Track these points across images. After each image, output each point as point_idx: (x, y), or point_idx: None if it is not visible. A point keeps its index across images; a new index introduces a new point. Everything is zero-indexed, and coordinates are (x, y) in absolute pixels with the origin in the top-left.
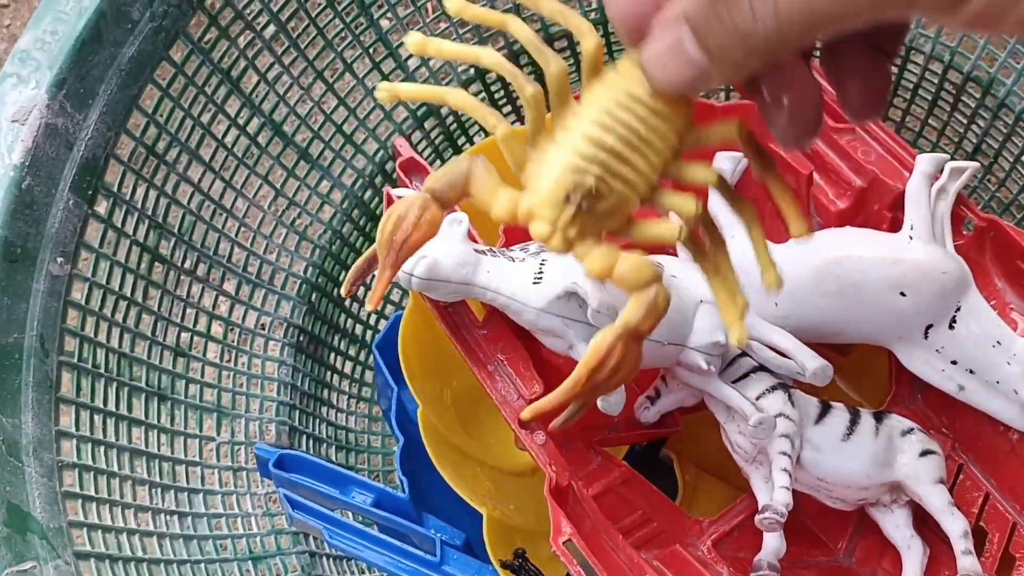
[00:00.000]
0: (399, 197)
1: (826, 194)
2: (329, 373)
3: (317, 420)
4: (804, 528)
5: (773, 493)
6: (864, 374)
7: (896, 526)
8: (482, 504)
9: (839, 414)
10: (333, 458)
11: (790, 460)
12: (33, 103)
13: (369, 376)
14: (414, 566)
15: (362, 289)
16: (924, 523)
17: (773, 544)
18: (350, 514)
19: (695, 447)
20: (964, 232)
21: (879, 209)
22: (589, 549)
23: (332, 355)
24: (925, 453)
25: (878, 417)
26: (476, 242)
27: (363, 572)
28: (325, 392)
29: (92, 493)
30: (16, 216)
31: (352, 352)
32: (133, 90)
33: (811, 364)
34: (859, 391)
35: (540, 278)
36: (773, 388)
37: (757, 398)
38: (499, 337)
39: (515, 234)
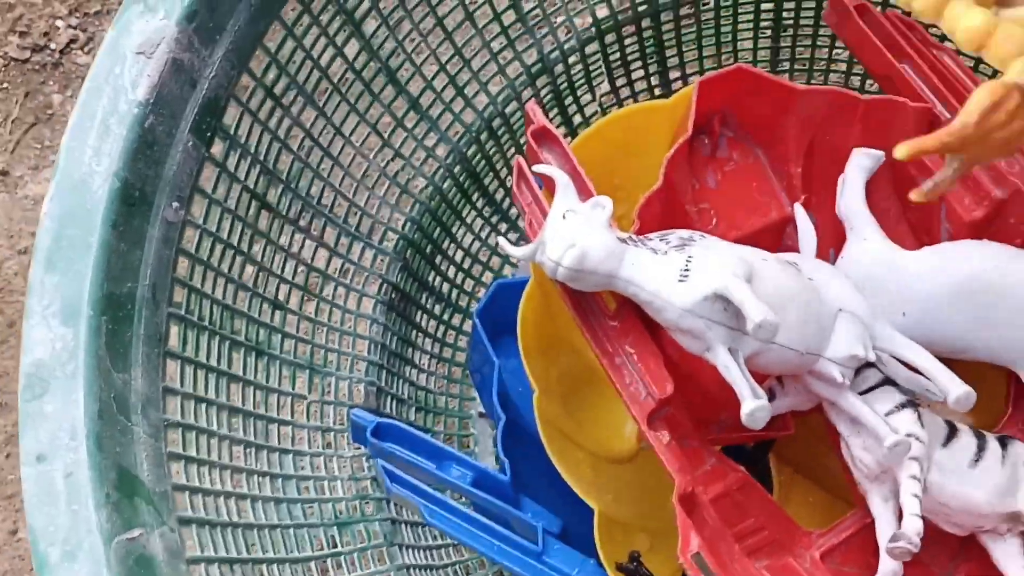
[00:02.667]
0: (535, 175)
1: (961, 201)
2: (415, 332)
3: (400, 380)
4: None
5: (904, 520)
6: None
7: (1008, 555)
8: (588, 495)
9: (966, 437)
10: (412, 419)
11: (920, 485)
12: (161, 35)
13: (451, 337)
14: (515, 553)
15: (453, 246)
16: None
17: (890, 567)
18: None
19: (794, 448)
20: None
21: (1016, 223)
22: (714, 560)
23: (419, 314)
24: None
25: (1003, 443)
26: (616, 229)
27: (435, 538)
28: (410, 351)
29: (194, 454)
30: (137, 157)
31: (437, 311)
32: (260, 26)
33: (955, 389)
34: (971, 410)
35: (686, 276)
36: (903, 405)
37: (886, 414)
38: (629, 330)
39: (649, 220)
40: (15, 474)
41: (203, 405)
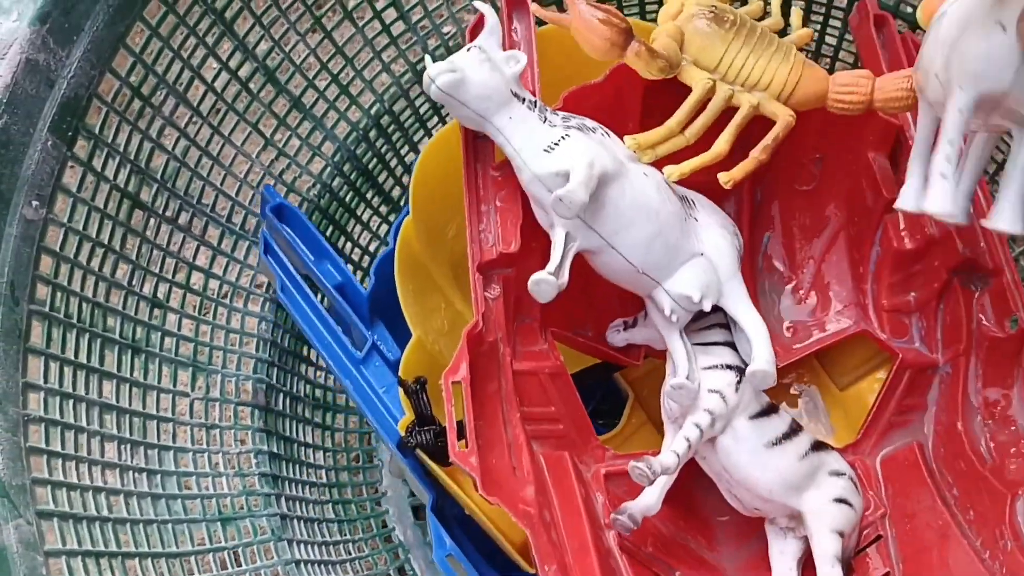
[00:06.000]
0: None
1: (897, 227)
2: None
3: (295, 377)
4: (707, 517)
5: (663, 451)
6: (851, 414)
7: (781, 553)
8: (418, 327)
9: (778, 421)
10: (309, 416)
11: (700, 435)
12: (14, 37)
13: None
14: (337, 351)
15: (349, 244)
16: (811, 567)
17: (647, 500)
18: None
19: (656, 396)
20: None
21: (938, 266)
22: (472, 401)
23: None
24: (841, 500)
25: (817, 446)
26: (526, 88)
27: (330, 535)
28: (304, 349)
29: (58, 449)
30: None
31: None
32: (120, 27)
33: (758, 364)
34: (838, 426)
35: (554, 148)
36: (728, 367)
37: (708, 367)
38: (506, 185)
39: (575, 104)
40: None
41: (71, 401)
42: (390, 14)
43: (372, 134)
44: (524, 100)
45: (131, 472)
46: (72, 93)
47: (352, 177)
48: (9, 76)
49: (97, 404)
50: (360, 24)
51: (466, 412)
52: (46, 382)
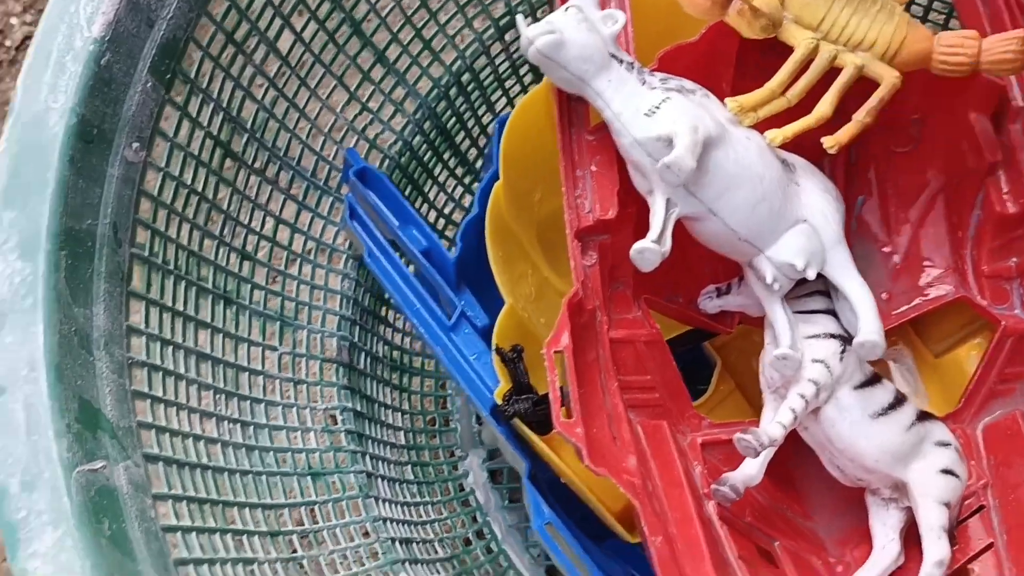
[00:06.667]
0: None
1: (1000, 191)
2: None
3: (375, 338)
4: (804, 487)
5: (770, 422)
6: (946, 382)
7: (883, 523)
8: (509, 294)
9: (883, 391)
10: (388, 377)
11: (805, 406)
12: None
13: None
14: (427, 317)
15: (425, 205)
16: (912, 537)
17: (749, 471)
18: None
19: (743, 363)
20: None
21: None
22: (576, 371)
23: None
24: (947, 471)
25: (922, 416)
26: (624, 50)
27: (413, 496)
28: (383, 309)
29: (160, 394)
30: (94, 94)
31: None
32: None
33: (865, 335)
34: (932, 394)
35: (655, 111)
36: (832, 336)
37: (810, 336)
38: (602, 150)
39: (670, 64)
40: None
41: (170, 348)
42: None
43: (453, 92)
44: (622, 62)
45: (226, 422)
46: (171, 35)
47: (431, 136)
48: (112, 13)
49: (194, 352)
50: None
51: (569, 382)
52: (147, 327)
